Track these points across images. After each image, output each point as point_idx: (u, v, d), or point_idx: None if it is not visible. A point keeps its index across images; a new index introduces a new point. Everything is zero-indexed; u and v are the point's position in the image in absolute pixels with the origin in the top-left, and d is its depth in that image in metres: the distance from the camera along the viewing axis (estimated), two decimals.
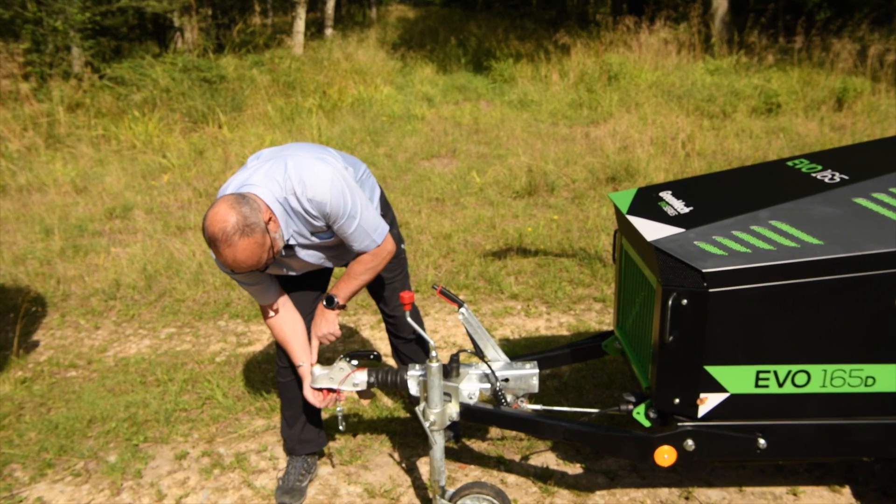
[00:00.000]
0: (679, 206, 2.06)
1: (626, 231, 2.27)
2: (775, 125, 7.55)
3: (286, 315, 2.34)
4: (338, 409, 2.31)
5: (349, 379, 2.27)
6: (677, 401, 1.93)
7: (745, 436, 1.92)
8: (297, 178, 2.01)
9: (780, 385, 1.87)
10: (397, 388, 2.27)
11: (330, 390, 2.32)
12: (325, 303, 2.31)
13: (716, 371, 1.88)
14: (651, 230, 1.94)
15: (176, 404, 3.17)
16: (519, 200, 5.79)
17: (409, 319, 2.14)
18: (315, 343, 2.37)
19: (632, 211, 2.14)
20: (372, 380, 2.26)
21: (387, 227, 2.23)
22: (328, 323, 2.33)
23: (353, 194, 2.09)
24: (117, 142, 8.27)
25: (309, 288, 2.46)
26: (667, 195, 2.19)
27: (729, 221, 1.87)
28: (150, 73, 9.37)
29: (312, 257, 2.27)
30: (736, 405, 1.90)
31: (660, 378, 1.93)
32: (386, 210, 2.48)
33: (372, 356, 2.30)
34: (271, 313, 2.32)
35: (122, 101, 9.05)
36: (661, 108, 8.33)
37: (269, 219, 1.96)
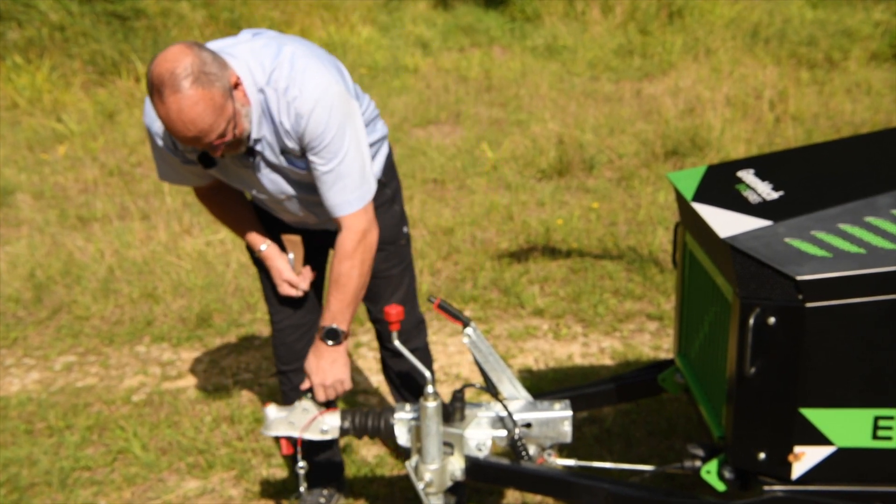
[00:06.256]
0: (764, 190, 2.07)
1: (690, 224, 2.27)
2: None
3: (227, 191, 2.44)
4: (298, 465, 2.32)
5: (315, 424, 2.27)
6: (762, 456, 1.94)
7: None
8: (288, 72, 2.07)
9: None
10: (381, 437, 2.28)
11: (289, 440, 2.33)
12: (326, 339, 2.25)
13: (816, 416, 1.88)
14: (725, 223, 1.95)
15: (76, 461, 3.17)
16: (546, 182, 5.80)
17: (396, 343, 2.15)
18: (321, 394, 2.30)
19: (699, 197, 2.15)
20: (346, 425, 2.27)
21: (372, 193, 2.23)
22: (335, 365, 2.27)
23: (345, 123, 2.12)
24: None
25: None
26: (747, 175, 2.20)
27: (834, 211, 1.87)
28: (37, 4, 9.36)
29: (273, 185, 2.27)
30: (845, 464, 1.90)
31: (738, 425, 1.93)
32: (390, 178, 2.49)
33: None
34: (209, 194, 2.45)
35: None
36: (742, 56, 8.33)
37: (237, 84, 2.01)
